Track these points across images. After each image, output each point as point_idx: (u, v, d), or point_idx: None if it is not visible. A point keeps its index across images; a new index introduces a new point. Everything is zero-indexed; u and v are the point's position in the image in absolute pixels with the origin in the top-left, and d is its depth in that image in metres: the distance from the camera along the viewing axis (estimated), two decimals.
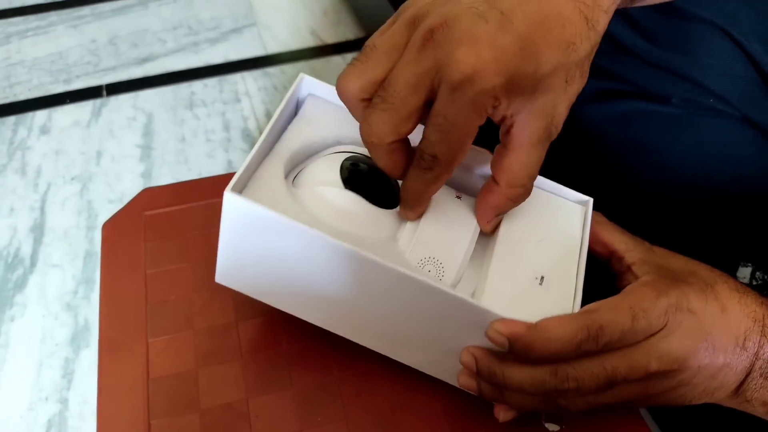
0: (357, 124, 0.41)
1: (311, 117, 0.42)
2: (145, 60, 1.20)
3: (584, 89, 0.34)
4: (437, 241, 0.37)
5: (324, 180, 0.38)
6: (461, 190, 0.41)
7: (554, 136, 0.34)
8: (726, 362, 0.34)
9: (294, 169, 0.40)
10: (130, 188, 0.85)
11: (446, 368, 0.40)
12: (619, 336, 0.33)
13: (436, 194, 0.38)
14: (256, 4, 1.33)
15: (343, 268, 0.36)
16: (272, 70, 1.18)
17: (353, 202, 0.37)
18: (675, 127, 0.50)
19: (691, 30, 0.50)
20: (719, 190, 0.48)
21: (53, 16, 1.31)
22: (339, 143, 0.41)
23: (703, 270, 0.37)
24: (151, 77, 1.18)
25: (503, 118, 0.33)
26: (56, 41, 1.26)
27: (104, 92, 1.15)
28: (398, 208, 0.39)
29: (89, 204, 0.99)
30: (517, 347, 0.34)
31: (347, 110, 0.42)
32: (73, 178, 1.04)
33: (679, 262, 0.38)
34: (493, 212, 0.37)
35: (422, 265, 0.37)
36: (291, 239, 0.35)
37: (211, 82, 1.17)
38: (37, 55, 1.26)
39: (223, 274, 0.40)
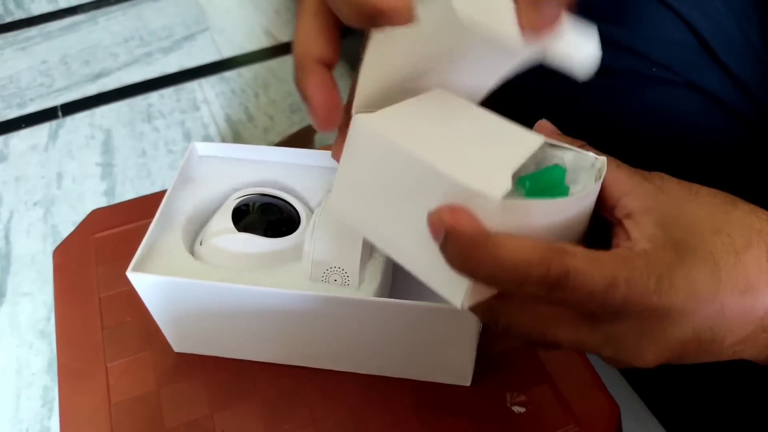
0: (249, 169, 0.43)
1: (202, 178, 0.43)
2: (98, 76, 1.19)
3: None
4: (332, 249, 0.38)
5: (218, 230, 0.40)
6: None
7: None
8: (717, 353, 0.28)
9: (200, 231, 0.42)
10: (94, 208, 0.84)
11: (398, 368, 0.41)
12: (582, 297, 0.25)
13: (325, 203, 0.39)
14: (207, 9, 1.31)
15: (254, 307, 0.37)
16: (229, 75, 1.17)
17: (248, 241, 0.39)
18: (620, 99, 0.50)
19: (630, 1, 0.50)
20: (668, 156, 0.48)
21: (0, 40, 1.29)
22: (235, 191, 0.43)
23: (733, 226, 0.27)
24: (106, 93, 1.16)
25: None
26: (6, 65, 1.23)
27: (60, 113, 1.14)
28: (296, 233, 0.40)
29: (54, 228, 0.98)
30: (451, 249, 0.26)
31: (239, 161, 0.44)
32: (35, 204, 1.02)
33: (700, 212, 0.28)
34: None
35: (326, 276, 0.38)
36: (200, 296, 0.37)
37: (168, 92, 1.16)
38: None
39: (176, 344, 0.43)
